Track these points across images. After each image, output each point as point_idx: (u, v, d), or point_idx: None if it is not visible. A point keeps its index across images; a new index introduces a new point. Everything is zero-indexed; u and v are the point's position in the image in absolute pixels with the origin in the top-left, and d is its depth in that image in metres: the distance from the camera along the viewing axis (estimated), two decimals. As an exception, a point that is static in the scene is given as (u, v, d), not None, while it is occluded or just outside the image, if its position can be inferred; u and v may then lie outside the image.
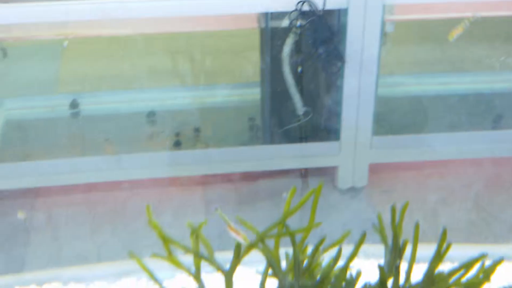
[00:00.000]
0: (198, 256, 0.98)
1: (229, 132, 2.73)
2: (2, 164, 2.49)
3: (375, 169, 2.67)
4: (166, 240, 0.96)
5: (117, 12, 2.28)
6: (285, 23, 2.39)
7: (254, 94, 2.69)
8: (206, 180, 2.66)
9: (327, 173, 2.68)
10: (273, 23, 2.44)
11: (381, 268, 0.97)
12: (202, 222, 0.98)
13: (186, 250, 0.97)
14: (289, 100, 2.53)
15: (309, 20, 2.25)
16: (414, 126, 2.74)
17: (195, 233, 0.96)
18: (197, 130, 2.71)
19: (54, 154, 2.56)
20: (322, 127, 2.57)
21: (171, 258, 0.97)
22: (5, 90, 2.79)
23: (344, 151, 2.54)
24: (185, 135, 2.69)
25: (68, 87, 2.87)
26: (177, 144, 2.66)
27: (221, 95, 2.87)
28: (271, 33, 2.45)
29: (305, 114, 2.52)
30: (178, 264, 0.98)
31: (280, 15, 2.39)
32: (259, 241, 0.94)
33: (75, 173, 2.48)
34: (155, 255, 0.97)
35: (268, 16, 2.42)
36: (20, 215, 2.47)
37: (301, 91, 2.51)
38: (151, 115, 2.77)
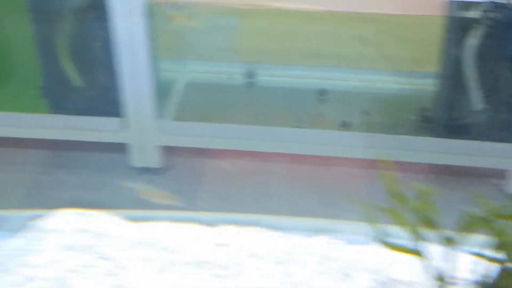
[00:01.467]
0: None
1: (398, 120, 2.69)
2: (176, 122, 2.63)
3: None
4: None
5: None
6: (474, 14, 2.31)
7: (429, 84, 2.63)
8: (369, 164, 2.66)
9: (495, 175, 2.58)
10: (461, 13, 2.36)
11: None
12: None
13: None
14: (467, 95, 2.44)
15: (503, 13, 2.15)
16: None
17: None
18: (366, 113, 2.70)
19: (227, 119, 2.67)
20: (500, 126, 2.46)
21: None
22: (189, 52, 2.95)
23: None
24: (354, 117, 2.69)
25: (247, 57, 2.97)
26: (344, 125, 2.67)
27: (394, 82, 2.84)
28: (457, 23, 2.37)
29: (483, 111, 2.43)
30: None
31: (468, 5, 2.30)
32: (492, 218, 0.93)
33: (245, 140, 2.56)
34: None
35: (455, 5, 2.35)
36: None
37: (482, 87, 2.41)
38: (322, 93, 2.80)
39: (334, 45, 2.97)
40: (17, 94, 2.64)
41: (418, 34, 2.84)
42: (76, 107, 2.58)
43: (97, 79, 2.55)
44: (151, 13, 2.33)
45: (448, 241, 1.00)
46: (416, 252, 1.06)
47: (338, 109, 2.75)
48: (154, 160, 2.61)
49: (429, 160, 2.55)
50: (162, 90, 2.58)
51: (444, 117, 2.54)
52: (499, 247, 0.96)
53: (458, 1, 2.32)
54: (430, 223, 1.03)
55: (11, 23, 2.57)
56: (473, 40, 2.35)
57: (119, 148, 2.63)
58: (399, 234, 1.10)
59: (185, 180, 2.62)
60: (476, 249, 1.02)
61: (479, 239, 1.03)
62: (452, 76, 2.45)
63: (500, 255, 0.99)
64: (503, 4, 2.18)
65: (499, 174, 2.57)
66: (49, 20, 2.47)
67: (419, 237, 1.06)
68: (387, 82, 2.85)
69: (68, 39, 2.47)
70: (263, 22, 2.95)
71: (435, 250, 1.15)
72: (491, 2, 2.16)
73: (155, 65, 2.43)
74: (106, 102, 2.53)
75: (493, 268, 1.00)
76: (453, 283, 1.07)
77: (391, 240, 1.09)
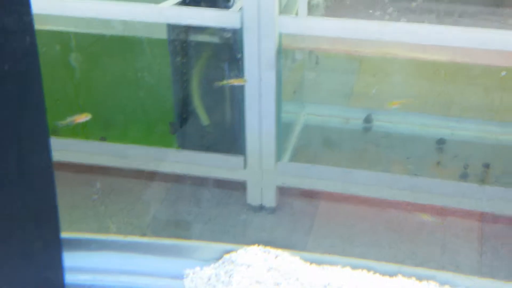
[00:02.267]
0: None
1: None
2: (293, 163, 2.68)
3: None
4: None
5: (429, 37, 2.33)
6: None
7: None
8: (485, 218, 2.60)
9: None
10: None
11: None
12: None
13: None
14: None
15: None
16: None
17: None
18: (486, 165, 2.66)
19: (343, 163, 2.69)
20: None
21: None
22: (309, 95, 3.01)
23: None
24: (474, 168, 2.65)
25: (362, 102, 3.00)
26: (464, 176, 2.63)
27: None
28: None
29: None
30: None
31: None
32: None
33: (357, 185, 2.58)
34: None
35: None
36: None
37: None
38: (440, 142, 2.78)
39: (452, 94, 2.95)
40: (150, 129, 2.78)
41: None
42: (202, 144, 2.69)
43: (224, 118, 2.65)
44: (280, 58, 2.41)
45: None
46: None
47: (458, 160, 2.71)
48: (270, 199, 2.67)
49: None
50: (283, 132, 2.64)
51: None
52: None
53: None
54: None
55: (151, 62, 2.74)
56: None
57: (236, 185, 2.72)
58: None
59: (297, 220, 2.65)
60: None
61: None
62: None
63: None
64: None
65: None
66: (185, 60, 2.60)
67: None
68: (509, 134, 2.80)
69: (201, 79, 2.60)
70: (384, 68, 2.98)
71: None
72: None
73: (279, 107, 2.50)
74: (230, 141, 2.62)
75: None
76: None
77: None
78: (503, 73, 2.59)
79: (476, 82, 2.95)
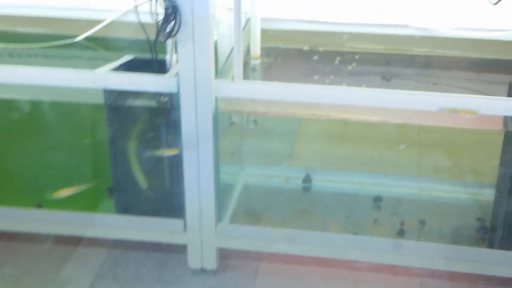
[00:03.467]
0: None
1: (454, 230, 2.70)
2: (233, 225, 2.69)
3: None
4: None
5: (361, 99, 2.41)
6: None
7: (486, 195, 2.65)
8: (423, 273, 2.65)
9: None
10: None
11: None
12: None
13: None
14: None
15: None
16: None
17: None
18: (422, 222, 2.72)
19: (283, 223, 2.71)
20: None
21: None
22: (248, 157, 3.04)
23: None
24: (410, 225, 2.71)
25: (302, 162, 3.06)
26: (401, 233, 2.68)
27: (450, 191, 2.86)
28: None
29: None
30: None
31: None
32: None
33: (297, 245, 2.59)
34: None
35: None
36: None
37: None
38: (377, 200, 2.84)
39: (387, 153, 3.03)
40: (87, 194, 2.75)
41: (476, 146, 2.90)
42: (141, 208, 2.67)
43: (162, 181, 2.64)
44: (217, 121, 2.44)
45: None
46: None
47: (394, 217, 2.77)
48: (210, 262, 2.65)
49: (485, 272, 2.52)
50: (222, 194, 2.65)
51: (502, 228, 2.53)
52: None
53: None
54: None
55: (88, 127, 2.73)
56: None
57: (177, 249, 2.69)
58: None
59: (239, 282, 2.64)
60: None
61: None
62: (510, 188, 2.47)
63: None
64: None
65: None
66: (122, 125, 2.61)
67: None
68: (444, 191, 2.88)
69: (138, 143, 2.60)
70: (322, 128, 3.05)
71: None
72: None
73: (217, 169, 2.52)
74: (169, 204, 2.61)
75: None
76: None
77: None
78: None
79: (410, 141, 3.05)
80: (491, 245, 2.59)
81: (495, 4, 2.47)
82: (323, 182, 2.94)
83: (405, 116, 2.66)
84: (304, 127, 3.17)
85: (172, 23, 2.27)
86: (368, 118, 2.59)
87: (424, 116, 2.59)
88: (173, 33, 2.28)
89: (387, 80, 2.94)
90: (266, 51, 2.99)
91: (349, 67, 2.89)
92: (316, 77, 2.95)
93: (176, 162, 2.52)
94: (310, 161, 3.07)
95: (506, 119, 2.43)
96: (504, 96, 2.53)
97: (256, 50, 2.91)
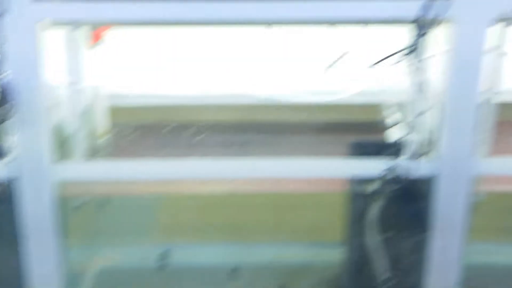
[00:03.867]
0: None
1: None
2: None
3: None
4: None
5: (209, 171, 2.40)
6: (372, 187, 2.44)
7: (336, 254, 2.70)
8: None
9: None
10: (360, 188, 2.49)
11: None
12: None
13: None
14: (371, 264, 2.52)
15: (396, 186, 2.30)
16: None
17: None
18: (282, 287, 2.72)
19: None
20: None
21: None
22: (101, 239, 2.93)
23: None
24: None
25: (161, 238, 2.99)
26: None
27: (303, 254, 2.90)
28: (357, 197, 2.49)
29: (387, 280, 2.50)
30: None
31: (368, 180, 2.44)
32: None
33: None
34: None
35: (355, 181, 2.48)
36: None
37: (385, 257, 2.50)
38: (236, 270, 2.81)
39: (246, 222, 3.04)
40: None
41: (321, 207, 2.97)
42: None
43: (8, 271, 2.48)
44: (60, 205, 2.34)
45: None
46: None
47: (255, 285, 2.76)
48: None
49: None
50: (73, 281, 2.53)
51: (352, 286, 2.59)
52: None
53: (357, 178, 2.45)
54: None
55: None
56: (373, 212, 2.47)
57: None
58: None
59: None
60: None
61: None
62: (356, 246, 2.53)
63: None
64: (397, 178, 2.33)
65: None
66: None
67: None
68: (297, 254, 2.91)
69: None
70: (174, 204, 3.01)
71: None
72: (384, 175, 2.31)
73: (64, 255, 2.40)
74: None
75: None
76: None
77: None
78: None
79: (265, 207, 3.08)
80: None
81: (327, 70, 2.59)
82: (182, 256, 2.88)
83: (257, 183, 2.70)
84: (158, 204, 3.11)
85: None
86: (218, 188, 2.61)
87: (274, 182, 2.65)
88: (6, 119, 2.20)
89: (237, 148, 2.99)
90: (116, 128, 2.96)
91: (197, 138, 2.91)
92: (166, 150, 2.94)
93: (22, 250, 2.37)
94: (168, 236, 3.01)
95: (347, 181, 2.51)
96: (345, 156, 2.62)
97: (103, 127, 2.87)
